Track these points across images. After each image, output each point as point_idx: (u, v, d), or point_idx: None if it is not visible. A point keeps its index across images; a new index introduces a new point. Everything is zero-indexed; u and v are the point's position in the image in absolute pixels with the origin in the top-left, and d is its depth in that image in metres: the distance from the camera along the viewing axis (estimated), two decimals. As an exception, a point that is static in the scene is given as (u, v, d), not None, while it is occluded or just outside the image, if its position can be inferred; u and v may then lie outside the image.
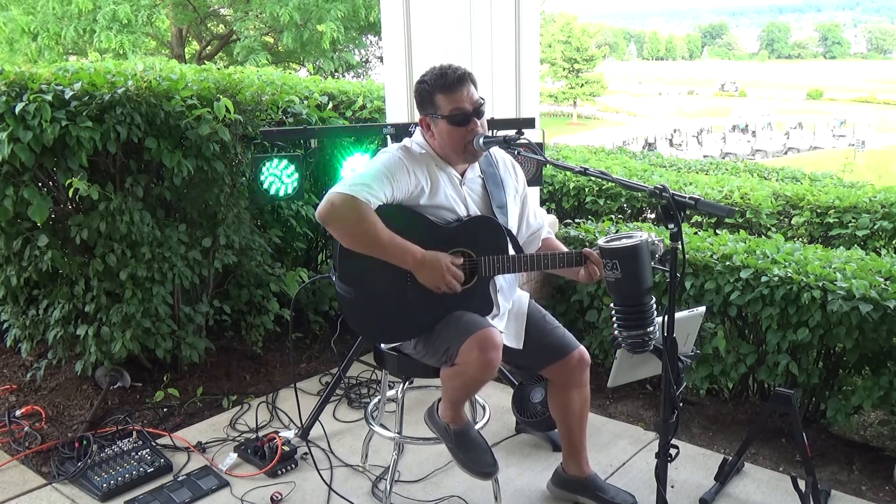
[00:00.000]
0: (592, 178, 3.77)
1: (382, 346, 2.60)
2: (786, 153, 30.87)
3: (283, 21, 12.92)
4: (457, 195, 2.41)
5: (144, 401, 3.52)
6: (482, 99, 2.38)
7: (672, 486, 2.80)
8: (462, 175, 2.45)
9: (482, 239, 2.39)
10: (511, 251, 2.43)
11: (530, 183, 2.95)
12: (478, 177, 2.48)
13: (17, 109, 2.86)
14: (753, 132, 32.84)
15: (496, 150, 2.55)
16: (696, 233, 3.69)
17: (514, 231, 2.52)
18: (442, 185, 2.38)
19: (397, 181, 2.30)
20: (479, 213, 2.43)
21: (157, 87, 3.22)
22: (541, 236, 2.65)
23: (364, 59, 17.95)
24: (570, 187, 4.88)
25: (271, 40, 15.45)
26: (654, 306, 2.17)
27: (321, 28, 12.91)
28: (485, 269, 2.37)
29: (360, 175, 2.31)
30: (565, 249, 2.51)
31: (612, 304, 2.19)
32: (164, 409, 3.46)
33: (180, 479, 2.88)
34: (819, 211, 4.32)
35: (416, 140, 2.44)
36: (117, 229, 3.17)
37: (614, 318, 2.18)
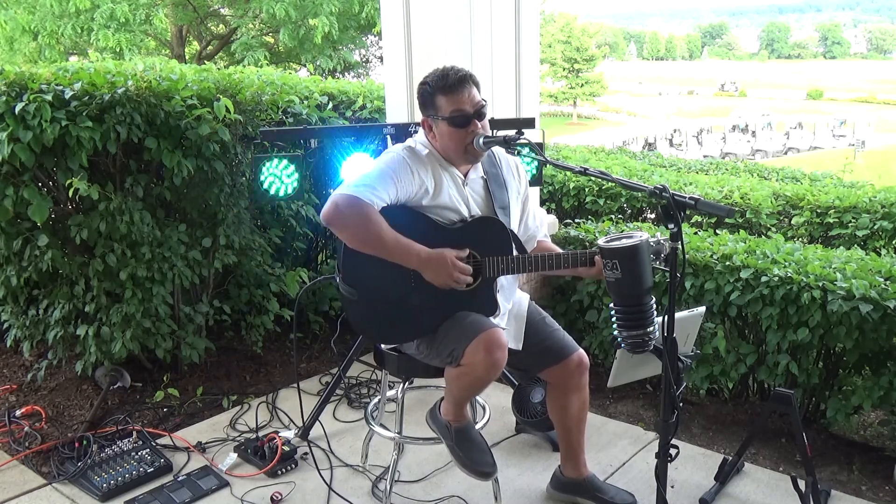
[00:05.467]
0: (592, 178, 3.79)
1: (383, 346, 2.60)
2: (786, 153, 30.86)
3: (279, 17, 12.91)
4: (460, 196, 2.41)
5: (144, 401, 3.52)
6: (484, 101, 2.38)
7: (672, 486, 2.80)
8: (465, 175, 2.45)
9: (486, 240, 2.38)
10: (514, 252, 2.43)
11: (530, 183, 2.94)
12: (480, 177, 2.48)
13: (17, 109, 2.86)
14: (753, 132, 32.81)
15: (500, 151, 2.54)
16: (696, 233, 3.69)
17: (515, 232, 2.52)
18: (445, 186, 2.38)
19: (401, 182, 2.30)
20: (482, 214, 2.43)
21: (157, 87, 3.22)
22: (536, 238, 2.65)
23: (364, 59, 17.95)
24: (570, 187, 4.89)
25: (271, 40, 15.45)
26: (654, 306, 2.17)
27: (314, 22, 12.88)
28: (489, 269, 2.37)
29: (365, 176, 2.31)
30: (559, 251, 2.51)
31: (612, 304, 2.19)
32: (164, 409, 3.46)
33: (180, 479, 2.88)
34: (819, 211, 4.33)
35: (420, 140, 2.44)
36: (117, 229, 3.17)
37: (614, 318, 2.18)
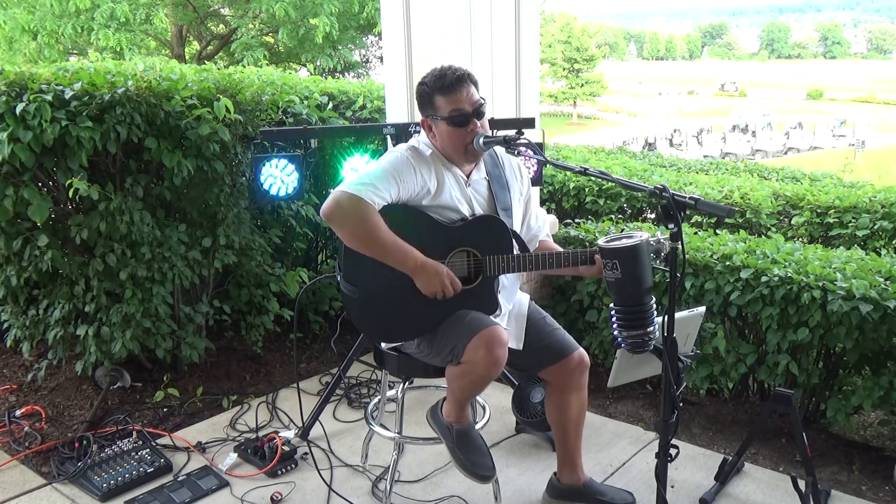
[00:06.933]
0: (592, 178, 3.78)
1: (383, 345, 2.60)
2: (786, 153, 30.88)
3: (278, 17, 12.91)
4: (462, 196, 2.41)
5: (144, 401, 3.52)
6: (483, 99, 2.38)
7: (672, 486, 2.80)
8: (468, 176, 2.45)
9: (487, 238, 2.39)
10: (516, 251, 2.43)
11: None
12: (483, 178, 2.48)
13: (18, 109, 2.86)
14: (753, 132, 32.84)
15: (502, 152, 2.54)
16: (696, 233, 3.69)
17: (518, 232, 2.52)
18: (447, 186, 2.38)
19: (403, 181, 2.30)
20: (484, 213, 2.43)
21: (157, 87, 3.22)
22: (538, 238, 2.65)
23: (364, 59, 17.94)
24: (570, 187, 4.88)
25: (271, 40, 15.45)
26: (654, 306, 2.17)
27: (314, 21, 12.88)
28: (490, 268, 2.37)
29: (367, 174, 2.31)
30: (560, 250, 2.51)
31: (612, 304, 2.19)
32: (164, 409, 3.46)
33: (180, 479, 2.88)
34: (819, 211, 4.32)
35: (423, 140, 2.44)
36: (117, 229, 3.17)
37: (614, 318, 2.18)
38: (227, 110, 3.26)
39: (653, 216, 4.64)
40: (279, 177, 3.25)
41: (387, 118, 3.99)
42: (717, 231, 3.71)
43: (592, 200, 4.74)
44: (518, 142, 2.35)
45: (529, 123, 3.58)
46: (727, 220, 4.20)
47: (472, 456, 2.43)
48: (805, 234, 4.38)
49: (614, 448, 3.14)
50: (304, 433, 3.17)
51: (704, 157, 14.69)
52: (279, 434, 3.05)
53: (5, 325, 3.69)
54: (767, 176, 6.16)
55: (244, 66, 4.74)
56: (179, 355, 3.64)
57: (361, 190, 2.23)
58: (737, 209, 4.30)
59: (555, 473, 2.72)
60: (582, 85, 47.46)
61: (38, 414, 3.37)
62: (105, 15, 12.87)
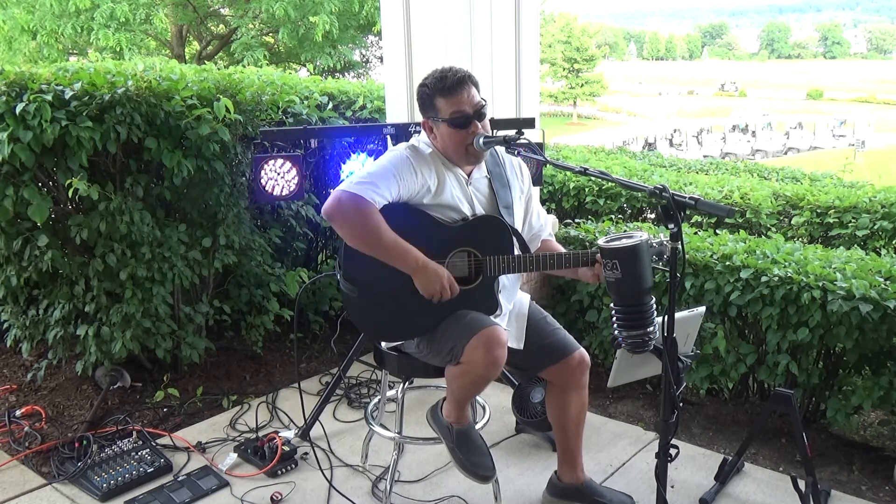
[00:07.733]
0: (592, 178, 3.78)
1: (383, 345, 2.60)
2: (786, 153, 30.88)
3: (278, 16, 12.91)
4: (463, 195, 2.41)
5: (144, 401, 3.52)
6: (484, 100, 2.38)
7: (672, 486, 2.80)
8: (468, 175, 2.45)
9: (487, 239, 2.39)
10: (517, 251, 2.44)
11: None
12: (484, 177, 2.48)
13: (18, 109, 2.86)
14: (753, 132, 32.85)
15: (502, 150, 2.54)
16: (696, 233, 3.69)
17: (520, 231, 2.52)
18: (448, 185, 2.38)
19: (403, 180, 2.31)
20: (485, 213, 2.43)
21: (157, 87, 3.22)
22: (541, 237, 2.65)
23: (364, 59, 17.95)
24: (570, 187, 4.88)
25: (271, 40, 15.45)
26: (654, 306, 2.17)
27: (314, 20, 12.89)
28: (490, 268, 2.37)
29: (368, 173, 2.31)
30: (563, 251, 2.51)
31: (612, 304, 2.19)
32: (164, 409, 3.46)
33: (180, 479, 2.88)
34: (819, 211, 4.32)
35: (424, 139, 2.44)
36: (117, 229, 3.17)
37: (614, 318, 2.18)
38: (227, 110, 3.26)
39: (653, 216, 4.64)
40: (279, 177, 3.25)
41: (387, 118, 3.99)
42: (717, 231, 3.72)
43: (592, 200, 4.74)
44: (518, 142, 2.35)
45: (529, 123, 3.59)
46: (727, 220, 4.20)
47: (472, 456, 2.43)
48: (805, 234, 4.38)
49: (614, 448, 3.14)
50: (304, 433, 3.17)
51: (704, 157, 14.69)
52: (279, 434, 3.05)
53: (5, 325, 3.69)
54: (767, 176, 6.15)
55: (244, 66, 4.74)
56: (179, 355, 3.64)
57: (362, 189, 2.24)
58: (737, 209, 4.30)
59: (555, 472, 2.73)
60: (582, 85, 47.46)
61: (38, 414, 3.37)
62: (105, 15, 12.87)
